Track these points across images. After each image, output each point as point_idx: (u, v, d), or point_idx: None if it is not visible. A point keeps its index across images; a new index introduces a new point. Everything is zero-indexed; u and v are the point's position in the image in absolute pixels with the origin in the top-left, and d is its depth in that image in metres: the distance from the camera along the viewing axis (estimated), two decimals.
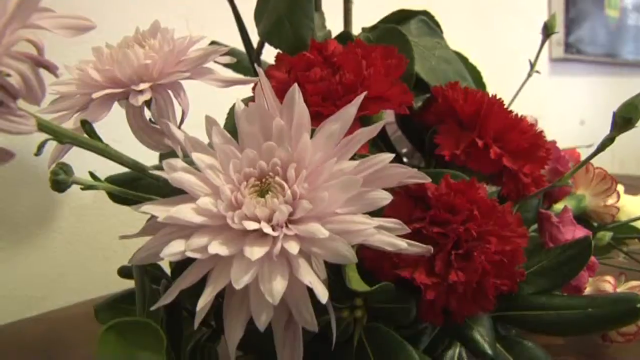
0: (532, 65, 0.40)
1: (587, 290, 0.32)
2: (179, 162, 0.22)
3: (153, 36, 0.27)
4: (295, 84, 0.22)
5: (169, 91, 0.25)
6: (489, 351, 0.23)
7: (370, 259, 0.23)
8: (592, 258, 0.30)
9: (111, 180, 0.31)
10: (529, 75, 0.40)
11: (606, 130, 0.28)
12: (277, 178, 0.21)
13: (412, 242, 0.21)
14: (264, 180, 0.21)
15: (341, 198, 0.20)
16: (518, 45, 1.12)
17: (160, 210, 0.21)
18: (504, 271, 0.23)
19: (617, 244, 0.39)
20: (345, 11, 0.34)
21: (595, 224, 0.38)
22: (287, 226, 0.20)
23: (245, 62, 0.34)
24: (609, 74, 1.25)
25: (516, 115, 0.30)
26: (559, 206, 0.37)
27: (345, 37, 0.33)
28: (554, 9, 1.07)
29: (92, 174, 0.24)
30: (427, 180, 0.22)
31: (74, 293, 0.52)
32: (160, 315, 0.23)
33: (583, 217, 0.38)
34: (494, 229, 0.23)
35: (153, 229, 0.22)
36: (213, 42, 0.37)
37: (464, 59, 0.36)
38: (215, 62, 0.28)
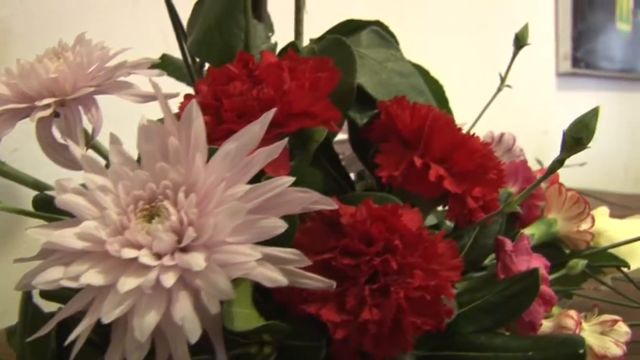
0: (503, 80, 0.37)
1: (549, 326, 0.29)
2: (70, 183, 0.20)
3: (85, 49, 0.26)
4: (194, 100, 0.20)
5: (79, 107, 0.24)
6: None
7: (280, 291, 0.21)
8: (549, 291, 0.27)
9: (40, 198, 0.30)
10: (499, 89, 0.37)
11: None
12: (165, 202, 0.19)
13: (313, 275, 0.19)
14: (153, 204, 0.20)
15: (228, 226, 0.18)
16: (521, 60, 1.09)
17: (44, 234, 0.19)
18: (427, 309, 0.20)
19: (594, 272, 0.35)
20: (296, 22, 0.32)
21: (567, 251, 0.35)
22: (172, 255, 0.18)
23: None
24: (620, 89, 1.20)
25: (467, 133, 0.27)
26: (527, 231, 0.34)
27: (292, 49, 0.31)
28: (561, 22, 1.03)
29: None
30: (333, 206, 0.19)
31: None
32: (49, 346, 0.21)
33: (554, 244, 0.35)
34: (418, 262, 0.21)
35: (45, 253, 0.21)
36: (164, 56, 0.36)
37: (424, 72, 0.34)
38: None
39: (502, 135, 0.43)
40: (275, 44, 0.31)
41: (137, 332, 0.17)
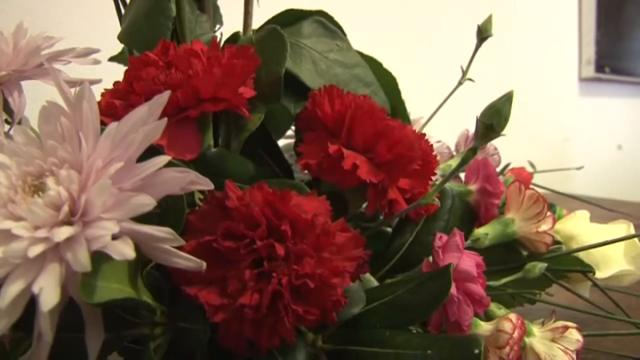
0: (464, 73, 0.36)
1: (489, 329, 0.28)
2: None
3: (14, 37, 0.27)
4: (86, 82, 0.20)
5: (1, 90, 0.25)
6: None
7: (173, 273, 0.21)
8: (480, 292, 0.26)
9: None
10: (460, 83, 0.36)
11: None
12: (50, 178, 0.20)
13: (184, 254, 0.19)
14: (41, 180, 0.20)
15: (97, 202, 0.18)
16: (542, 64, 1.04)
17: None
18: (312, 298, 0.20)
19: (557, 277, 0.33)
20: (245, 14, 0.33)
21: (525, 253, 0.33)
22: (51, 229, 0.19)
23: None
24: None
25: (397, 123, 0.26)
26: (481, 231, 0.33)
27: (234, 39, 0.31)
28: (585, 25, 0.98)
29: None
30: (210, 186, 0.19)
31: None
32: None
33: (513, 245, 0.33)
34: (307, 249, 0.20)
35: None
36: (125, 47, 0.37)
37: (375, 64, 0.33)
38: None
39: None
40: (220, 35, 0.32)
41: (2, 296, 0.17)
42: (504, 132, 0.21)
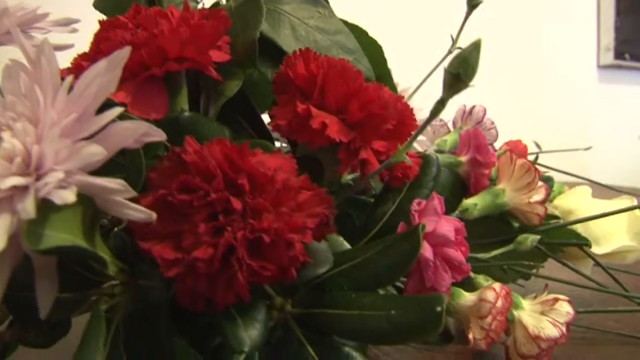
0: (454, 41, 0.34)
1: (471, 299, 0.27)
2: None
3: None
4: (46, 38, 0.20)
5: None
6: (244, 348, 0.19)
7: (132, 229, 0.21)
8: (459, 257, 0.25)
9: None
10: (449, 51, 0.34)
11: None
12: (7, 132, 0.20)
13: (135, 205, 0.18)
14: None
15: (48, 152, 0.18)
16: (560, 51, 1.01)
17: None
18: (269, 253, 0.19)
19: (552, 250, 0.32)
20: None
21: (516, 224, 0.31)
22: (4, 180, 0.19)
23: None
24: None
25: (373, 83, 0.26)
26: (470, 201, 0.31)
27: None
28: (603, 11, 0.94)
29: None
30: (163, 137, 0.19)
31: None
32: None
33: (504, 217, 0.32)
34: (265, 204, 0.19)
35: None
36: None
37: (360, 33, 0.32)
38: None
39: (472, 107, 0.40)
40: (202, 5, 0.31)
41: None
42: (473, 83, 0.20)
